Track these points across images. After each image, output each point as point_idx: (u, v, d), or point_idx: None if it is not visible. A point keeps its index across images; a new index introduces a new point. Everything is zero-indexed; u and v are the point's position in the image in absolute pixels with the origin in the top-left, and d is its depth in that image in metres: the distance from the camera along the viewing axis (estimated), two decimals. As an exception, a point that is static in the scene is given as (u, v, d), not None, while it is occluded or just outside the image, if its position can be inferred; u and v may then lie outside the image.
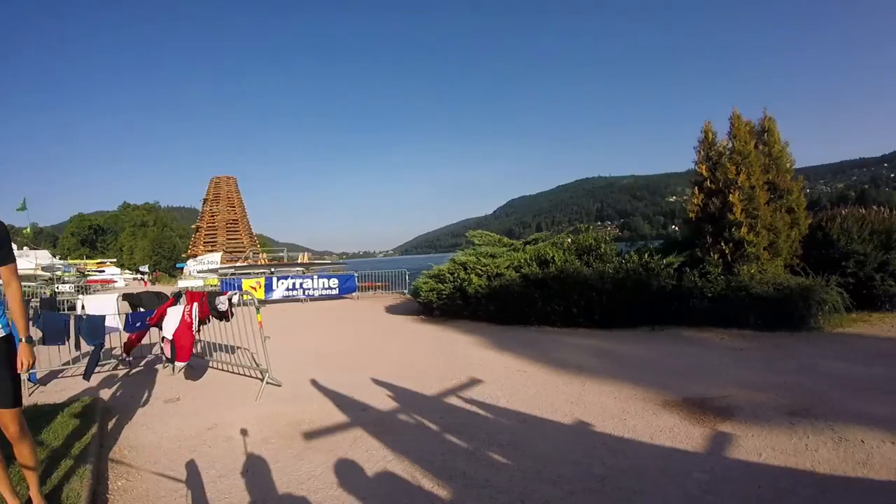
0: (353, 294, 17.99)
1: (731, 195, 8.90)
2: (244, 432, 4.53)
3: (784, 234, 9.06)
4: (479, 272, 10.85)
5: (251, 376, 6.40)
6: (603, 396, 5.13)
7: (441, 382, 5.90)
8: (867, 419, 4.18)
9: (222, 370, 6.88)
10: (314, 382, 6.09)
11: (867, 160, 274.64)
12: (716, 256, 8.95)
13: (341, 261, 48.10)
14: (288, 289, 17.54)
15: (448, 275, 11.30)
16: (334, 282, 17.99)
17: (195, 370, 6.87)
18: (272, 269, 22.49)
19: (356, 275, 18.72)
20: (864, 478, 3.30)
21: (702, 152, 9.74)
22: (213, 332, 7.35)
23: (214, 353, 7.25)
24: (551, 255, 10.33)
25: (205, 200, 50.06)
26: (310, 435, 4.44)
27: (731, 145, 9.48)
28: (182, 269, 41.78)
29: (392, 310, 13.77)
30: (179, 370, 6.77)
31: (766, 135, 9.95)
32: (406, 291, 16.68)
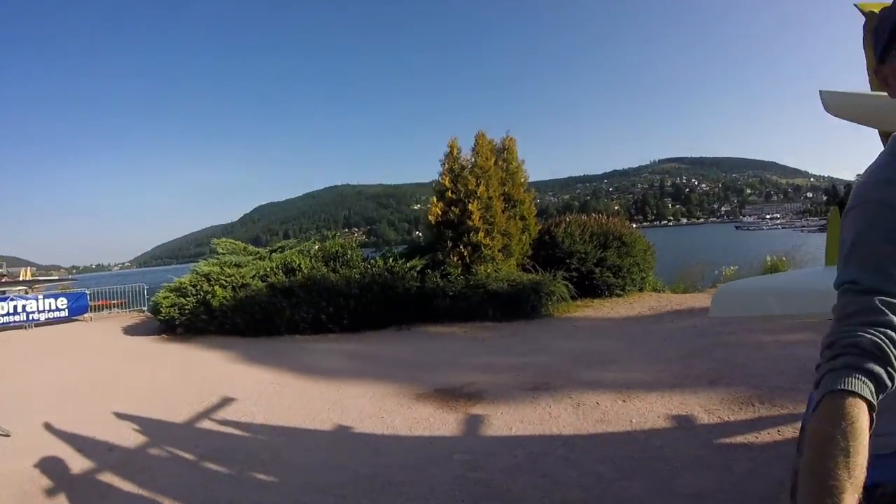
0: (86, 315, 14.90)
1: (470, 204, 9.77)
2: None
3: (517, 238, 10.31)
4: (224, 283, 9.90)
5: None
6: (359, 398, 5.02)
7: (192, 406, 5.09)
8: (598, 385, 4.85)
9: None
10: (49, 426, 4.68)
11: (590, 176, 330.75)
12: (456, 259, 9.67)
13: (71, 276, 39.74)
14: (7, 313, 13.61)
15: (190, 287, 10.03)
16: (63, 301, 14.61)
17: None
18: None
19: (88, 292, 15.59)
20: (603, 432, 3.79)
21: (446, 165, 10.51)
22: None
23: None
24: (298, 262, 10.09)
25: None
26: (51, 492, 3.37)
27: (473, 160, 10.48)
28: None
29: (131, 330, 11.68)
30: None
31: (506, 153, 11.29)
32: (146, 309, 14.45)
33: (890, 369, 0.79)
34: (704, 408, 4.06)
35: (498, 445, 3.66)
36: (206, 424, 4.65)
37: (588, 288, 10.13)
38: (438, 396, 4.87)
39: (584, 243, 10.43)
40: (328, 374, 6.04)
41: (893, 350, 0.79)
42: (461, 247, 9.71)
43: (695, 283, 11.26)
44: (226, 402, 5.25)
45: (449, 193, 10.11)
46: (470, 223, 9.72)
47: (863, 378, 0.79)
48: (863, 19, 2.46)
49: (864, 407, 0.77)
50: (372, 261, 10.11)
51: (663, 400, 4.35)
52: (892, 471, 0.95)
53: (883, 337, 0.79)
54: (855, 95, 2.48)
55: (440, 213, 10.09)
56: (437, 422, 4.22)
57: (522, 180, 11.33)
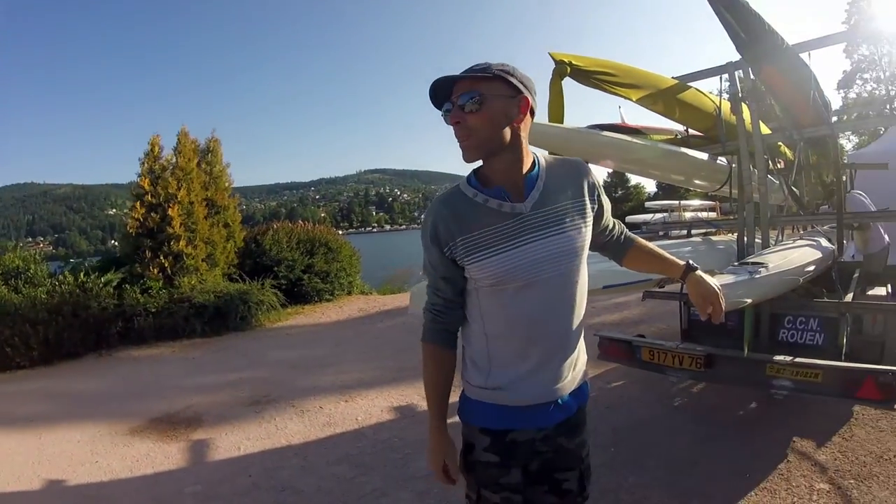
0: None
1: (170, 209, 8.93)
2: None
3: (221, 246, 9.79)
4: None
5: None
6: (66, 445, 4.24)
7: None
8: (319, 389, 5.13)
9: None
10: None
11: (298, 183, 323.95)
12: (156, 271, 8.74)
13: None
14: None
15: None
16: None
17: None
18: None
19: None
20: (332, 434, 4.08)
21: (146, 165, 9.34)
22: None
23: None
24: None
25: None
26: None
27: (175, 160, 9.56)
28: None
29: None
30: None
31: (210, 154, 10.53)
32: None
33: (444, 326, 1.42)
34: (422, 395, 4.64)
35: (229, 469, 3.61)
36: None
37: (298, 295, 10.29)
38: (156, 427, 4.48)
39: (291, 250, 10.54)
40: (24, 422, 4.86)
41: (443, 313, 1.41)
42: (162, 257, 8.78)
43: (400, 284, 12.43)
44: None
45: (148, 197, 9.01)
46: (171, 230, 8.85)
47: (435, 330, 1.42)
48: (553, 65, 3.33)
49: (435, 348, 1.41)
50: (60, 276, 8.34)
51: (384, 394, 4.87)
52: (515, 420, 1.35)
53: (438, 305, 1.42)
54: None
55: (140, 219, 8.94)
56: (159, 456, 3.90)
57: (227, 185, 10.79)
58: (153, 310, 8.10)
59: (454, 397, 1.45)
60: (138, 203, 9.08)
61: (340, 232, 13.49)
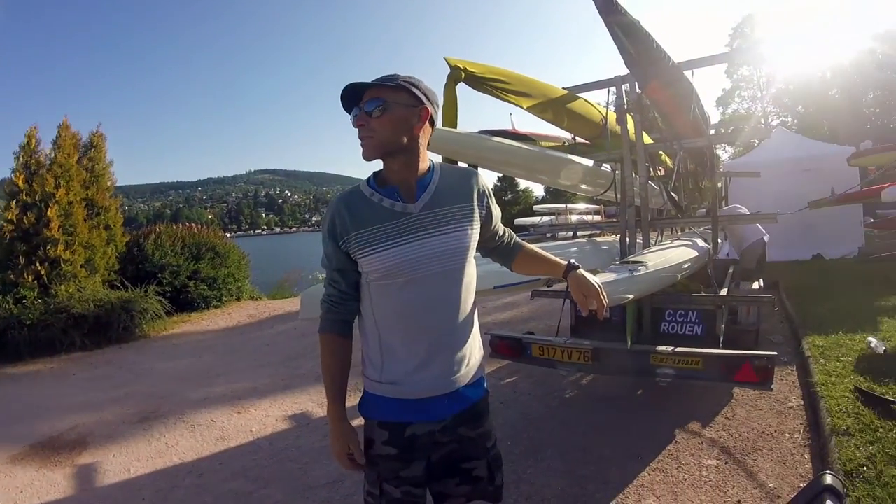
0: None
1: (49, 210, 8.08)
2: None
3: (101, 251, 9.00)
4: None
5: None
6: None
7: None
8: (210, 402, 4.88)
9: None
10: None
11: (184, 183, 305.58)
12: (31, 278, 7.86)
13: None
14: None
15: None
16: None
17: None
18: None
19: None
20: (226, 449, 3.89)
21: (21, 160, 8.37)
22: None
23: None
24: None
25: None
26: None
27: (53, 156, 8.64)
28: None
29: None
30: None
31: (93, 150, 9.65)
32: None
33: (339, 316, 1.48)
34: (317, 402, 4.60)
35: (121, 493, 3.35)
36: None
37: (184, 302, 9.70)
38: (38, 453, 4.04)
39: (176, 255, 9.93)
40: None
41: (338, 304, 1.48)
42: (37, 263, 7.90)
43: (290, 289, 12.16)
44: None
45: (23, 196, 8.09)
46: (48, 233, 8.00)
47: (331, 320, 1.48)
48: (448, 70, 3.37)
49: (331, 337, 1.48)
50: None
51: (277, 403, 4.72)
52: (412, 412, 1.42)
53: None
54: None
55: (14, 221, 8.00)
56: (43, 485, 3.53)
57: (109, 184, 9.90)
58: (28, 322, 7.26)
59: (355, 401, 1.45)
60: (13, 202, 8.13)
61: (228, 235, 12.84)
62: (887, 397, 3.34)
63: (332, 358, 1.48)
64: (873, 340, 4.54)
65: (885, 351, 4.36)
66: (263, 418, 4.39)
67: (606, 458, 3.23)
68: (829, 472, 1.20)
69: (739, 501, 2.71)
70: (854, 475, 2.59)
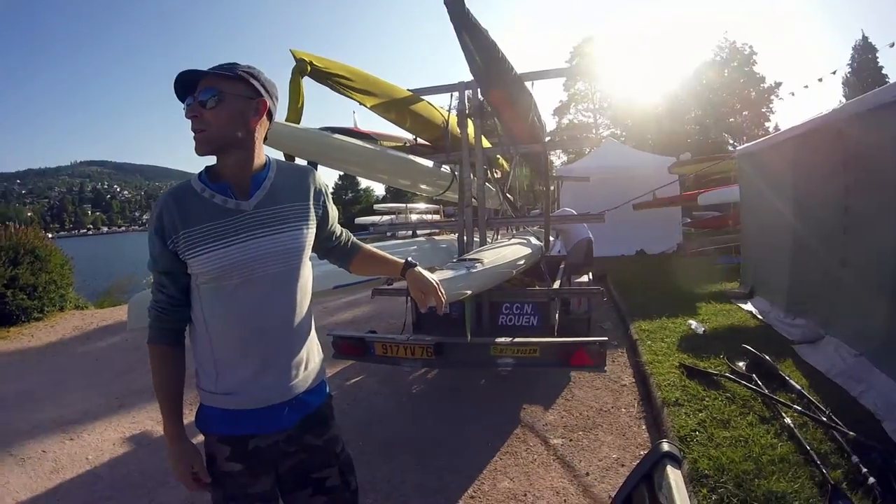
0: None
1: None
2: None
3: None
4: None
5: None
6: None
7: None
8: (38, 430, 4.19)
9: None
10: None
11: (1, 174, 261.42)
12: None
13: None
14: None
15: None
16: None
17: None
18: None
19: None
20: (63, 482, 3.42)
21: None
22: None
23: None
24: None
25: None
26: None
27: None
28: None
29: None
30: None
31: None
32: None
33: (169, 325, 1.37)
34: (156, 420, 4.21)
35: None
36: None
37: (0, 315, 8.33)
38: None
39: (-11, 260, 8.50)
40: None
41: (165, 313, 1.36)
42: None
43: (120, 295, 11.01)
44: None
45: None
46: None
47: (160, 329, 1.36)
48: (293, 63, 3.29)
49: (162, 349, 1.36)
50: None
51: (113, 425, 4.28)
52: (252, 424, 1.35)
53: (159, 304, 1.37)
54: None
55: None
56: None
57: None
58: None
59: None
60: None
61: (50, 235, 11.16)
62: (709, 370, 3.90)
63: (165, 371, 1.36)
64: (693, 322, 5.31)
65: (704, 332, 5.10)
66: (99, 443, 3.94)
67: (457, 448, 3.38)
68: (665, 440, 1.35)
69: (588, 473, 2.99)
70: (688, 440, 2.97)
